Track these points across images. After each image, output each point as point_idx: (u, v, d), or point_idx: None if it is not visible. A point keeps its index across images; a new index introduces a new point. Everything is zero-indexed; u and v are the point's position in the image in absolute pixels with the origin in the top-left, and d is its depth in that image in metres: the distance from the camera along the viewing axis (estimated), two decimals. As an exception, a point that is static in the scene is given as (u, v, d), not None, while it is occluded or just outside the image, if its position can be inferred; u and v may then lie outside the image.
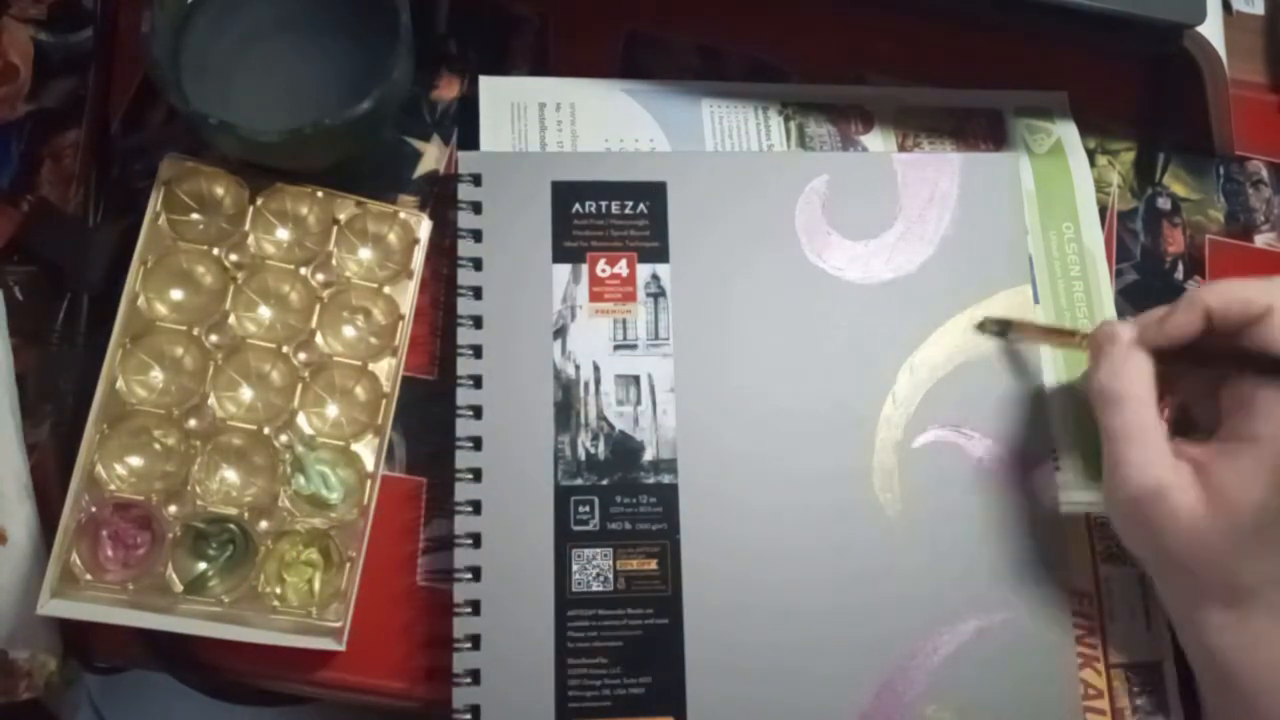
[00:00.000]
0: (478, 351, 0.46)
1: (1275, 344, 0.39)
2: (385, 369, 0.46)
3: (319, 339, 0.46)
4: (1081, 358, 0.49)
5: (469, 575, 0.43)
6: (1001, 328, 0.47)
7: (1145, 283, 0.53)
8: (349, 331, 0.47)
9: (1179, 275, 0.53)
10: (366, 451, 0.45)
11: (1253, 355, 0.40)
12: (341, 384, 0.46)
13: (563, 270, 0.47)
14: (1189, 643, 0.42)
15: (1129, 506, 0.41)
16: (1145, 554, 0.42)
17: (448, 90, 0.52)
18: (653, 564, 0.44)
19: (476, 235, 0.47)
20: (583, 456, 0.45)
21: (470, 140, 0.50)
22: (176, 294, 0.46)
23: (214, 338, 0.45)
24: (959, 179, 0.50)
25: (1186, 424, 0.45)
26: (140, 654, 0.43)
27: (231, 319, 0.45)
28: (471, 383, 0.45)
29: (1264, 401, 0.39)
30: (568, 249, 0.47)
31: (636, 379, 0.46)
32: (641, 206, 0.48)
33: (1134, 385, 0.41)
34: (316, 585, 0.44)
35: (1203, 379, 0.43)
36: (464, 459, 0.44)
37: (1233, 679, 0.40)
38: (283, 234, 0.47)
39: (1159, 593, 0.43)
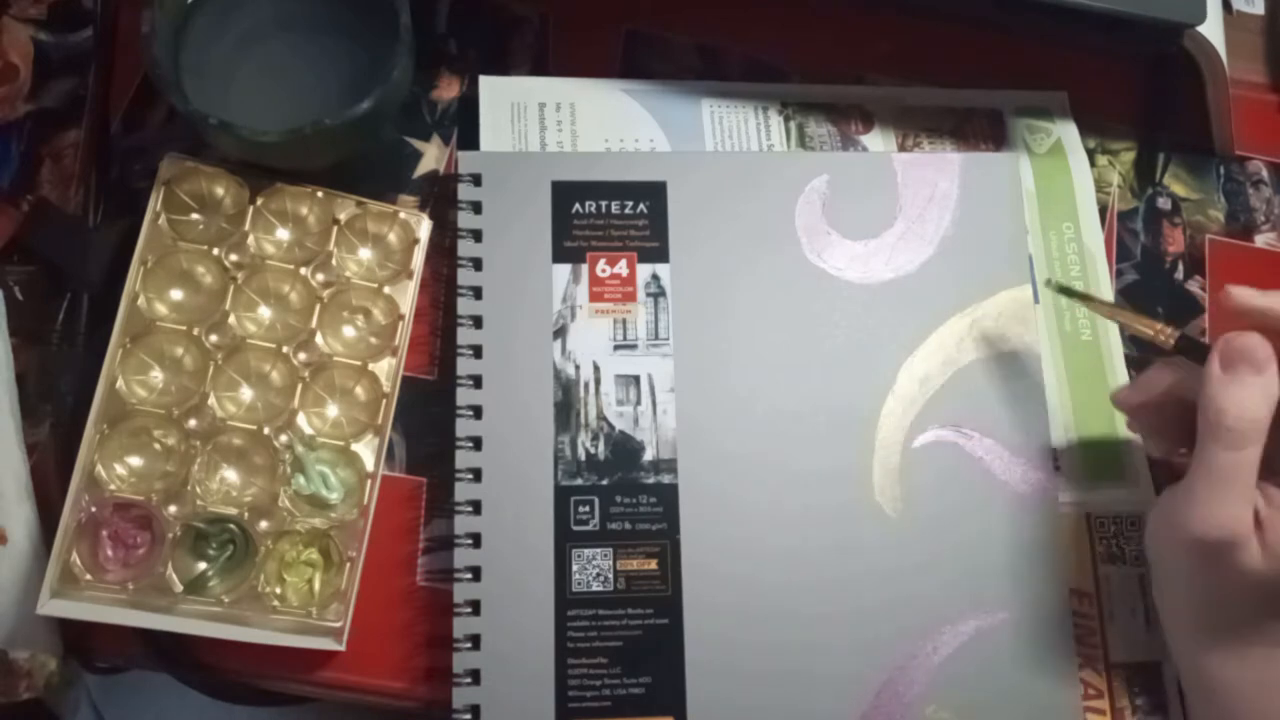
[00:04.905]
0: (478, 351, 0.46)
1: None
2: (385, 369, 0.46)
3: (319, 339, 0.46)
4: (1083, 359, 0.49)
5: (469, 575, 0.43)
6: (1069, 293, 0.46)
7: (1145, 283, 0.53)
8: (349, 331, 0.47)
9: (1179, 275, 0.53)
10: (366, 451, 0.45)
11: None
12: (341, 384, 0.46)
13: (563, 270, 0.47)
14: (1194, 672, 0.41)
15: (1192, 545, 0.38)
16: (1189, 588, 0.40)
17: (448, 90, 0.52)
18: (653, 564, 0.44)
19: (476, 235, 0.47)
20: (583, 456, 0.45)
21: (470, 140, 0.50)
22: (176, 294, 0.46)
23: (214, 338, 0.45)
24: (959, 179, 0.50)
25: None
26: (140, 654, 0.43)
27: (231, 319, 0.45)
28: (471, 383, 0.45)
29: None
30: (568, 249, 0.47)
31: (636, 379, 0.46)
32: (641, 206, 0.48)
33: (1262, 426, 0.36)
34: (316, 585, 0.44)
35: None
36: (464, 459, 0.44)
37: (1239, 708, 0.40)
38: (283, 234, 0.47)
39: (1170, 619, 0.42)
